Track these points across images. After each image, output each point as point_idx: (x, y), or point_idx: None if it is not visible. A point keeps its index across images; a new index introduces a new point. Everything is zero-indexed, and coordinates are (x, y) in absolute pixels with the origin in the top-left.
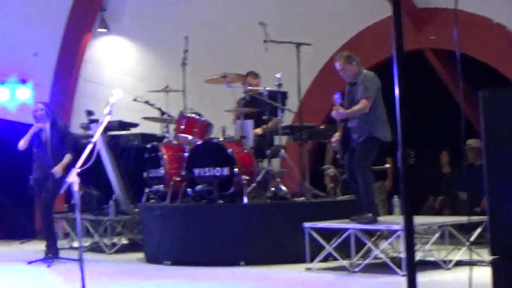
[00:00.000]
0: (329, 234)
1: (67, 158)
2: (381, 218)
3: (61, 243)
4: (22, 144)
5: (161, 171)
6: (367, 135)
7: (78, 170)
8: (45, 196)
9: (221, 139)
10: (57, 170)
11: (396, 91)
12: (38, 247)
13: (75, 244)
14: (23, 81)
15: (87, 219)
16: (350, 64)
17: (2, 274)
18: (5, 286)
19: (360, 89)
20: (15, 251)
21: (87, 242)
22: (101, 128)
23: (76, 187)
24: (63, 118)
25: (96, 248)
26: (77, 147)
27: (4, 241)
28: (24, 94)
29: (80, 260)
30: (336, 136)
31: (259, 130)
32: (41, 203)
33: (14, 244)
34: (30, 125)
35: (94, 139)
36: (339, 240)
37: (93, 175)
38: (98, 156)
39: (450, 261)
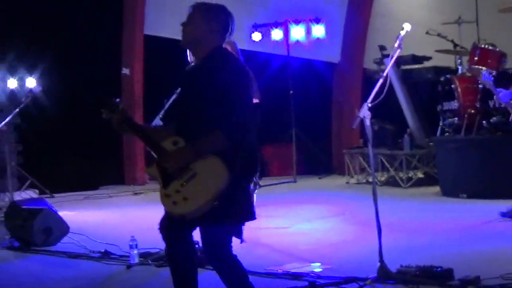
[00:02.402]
0: None
1: None
2: None
3: (357, 177)
4: None
5: (455, 103)
6: None
7: (370, 105)
8: None
9: None
10: None
11: None
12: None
13: (371, 179)
14: (317, 20)
15: (382, 154)
16: None
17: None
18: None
19: None
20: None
21: (383, 177)
22: (391, 62)
23: (367, 122)
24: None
25: (392, 182)
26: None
27: (304, 176)
28: (319, 31)
29: (374, 194)
30: None
31: None
32: None
33: (313, 179)
34: (323, 62)
35: (385, 73)
36: None
37: (388, 110)
38: (392, 90)
39: None
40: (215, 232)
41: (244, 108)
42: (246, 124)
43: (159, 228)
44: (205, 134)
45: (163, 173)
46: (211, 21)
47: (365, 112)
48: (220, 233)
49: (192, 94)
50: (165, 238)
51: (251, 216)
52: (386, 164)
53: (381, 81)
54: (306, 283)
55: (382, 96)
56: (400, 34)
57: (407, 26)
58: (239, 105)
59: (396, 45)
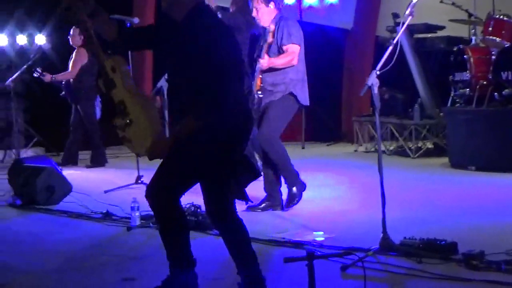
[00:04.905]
0: None
1: None
2: None
3: (366, 146)
4: None
5: (467, 74)
6: None
7: (378, 73)
8: None
9: None
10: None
11: None
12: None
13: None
14: None
15: (392, 123)
16: None
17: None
18: None
19: None
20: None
21: (391, 146)
22: (402, 29)
23: (375, 90)
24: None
25: (400, 152)
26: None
27: (312, 142)
28: None
29: (379, 164)
30: None
31: None
32: None
33: (321, 146)
34: (335, 28)
35: (395, 40)
36: None
37: (399, 78)
38: (404, 59)
39: None
40: (217, 192)
41: (225, 73)
42: (228, 91)
43: (145, 196)
44: (188, 95)
45: None
46: None
47: (373, 80)
48: (222, 193)
49: (177, 53)
50: (151, 205)
51: (253, 177)
52: (395, 133)
53: (390, 48)
54: (305, 253)
55: (391, 64)
56: (412, 1)
57: None
58: (220, 74)
59: (407, 12)
